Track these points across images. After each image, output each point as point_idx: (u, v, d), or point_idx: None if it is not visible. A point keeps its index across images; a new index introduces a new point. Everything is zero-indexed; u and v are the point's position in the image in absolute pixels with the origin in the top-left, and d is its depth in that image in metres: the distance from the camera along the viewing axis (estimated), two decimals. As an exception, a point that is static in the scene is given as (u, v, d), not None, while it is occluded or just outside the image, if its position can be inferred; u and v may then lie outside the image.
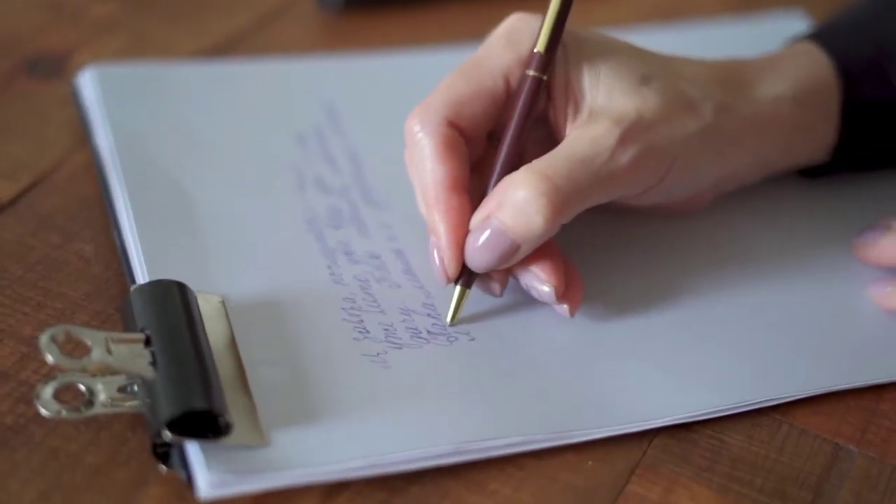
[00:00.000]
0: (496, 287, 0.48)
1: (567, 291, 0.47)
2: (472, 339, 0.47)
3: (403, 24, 0.66)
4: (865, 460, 0.46)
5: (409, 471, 0.42)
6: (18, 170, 0.52)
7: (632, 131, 0.47)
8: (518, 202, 0.45)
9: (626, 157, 0.47)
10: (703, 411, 0.45)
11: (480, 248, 0.46)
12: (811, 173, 0.56)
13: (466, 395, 0.44)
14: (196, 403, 0.40)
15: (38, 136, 0.54)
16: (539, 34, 0.47)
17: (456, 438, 0.42)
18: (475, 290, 0.48)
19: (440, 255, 0.47)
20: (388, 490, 0.42)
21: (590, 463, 0.44)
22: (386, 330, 0.46)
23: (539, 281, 0.47)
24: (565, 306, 0.47)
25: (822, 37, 0.55)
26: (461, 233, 0.46)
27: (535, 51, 0.47)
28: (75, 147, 0.54)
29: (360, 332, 0.46)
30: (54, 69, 0.58)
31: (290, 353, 0.45)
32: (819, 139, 0.54)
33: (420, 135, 0.47)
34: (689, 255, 0.52)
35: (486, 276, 0.48)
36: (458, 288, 0.47)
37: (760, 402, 0.46)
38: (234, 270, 0.48)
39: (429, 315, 0.47)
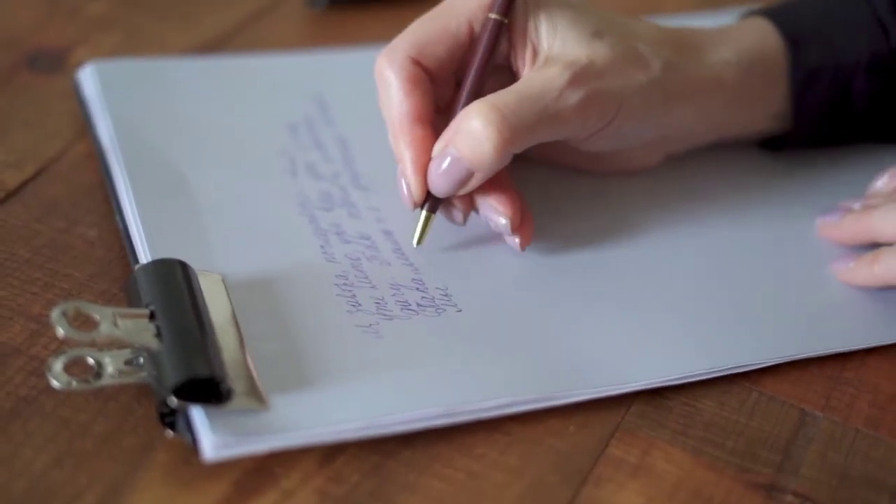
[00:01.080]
0: (459, 215, 0.52)
1: (520, 227, 0.51)
2: (459, 311, 0.49)
3: (383, 20, 0.68)
4: (830, 424, 0.48)
5: (402, 432, 0.44)
6: (23, 159, 0.54)
7: (581, 75, 0.50)
8: (471, 131, 0.49)
9: (573, 97, 0.50)
10: (677, 376, 0.48)
11: (441, 174, 0.50)
12: (773, 145, 0.60)
13: (454, 362, 0.47)
14: (200, 371, 0.43)
15: (41, 128, 0.56)
16: None
17: (446, 402, 0.45)
18: (454, 274, 0.51)
19: (406, 182, 0.51)
20: (382, 453, 0.44)
21: (571, 428, 0.46)
22: (377, 303, 0.49)
23: (496, 213, 0.51)
24: (517, 239, 0.51)
25: (770, 12, 0.58)
26: (425, 160, 0.50)
27: None
28: (76, 138, 0.56)
29: (352, 305, 0.48)
30: (54, 64, 0.60)
31: (287, 325, 0.47)
32: (769, 104, 0.57)
33: (387, 72, 0.51)
34: (655, 223, 0.55)
35: (448, 204, 0.52)
36: (423, 212, 0.51)
37: (731, 368, 0.49)
38: (232, 250, 0.50)
39: (417, 289, 0.50)
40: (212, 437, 0.42)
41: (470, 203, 0.52)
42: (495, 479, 0.44)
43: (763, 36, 0.57)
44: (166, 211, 0.51)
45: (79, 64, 0.59)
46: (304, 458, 0.44)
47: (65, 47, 0.62)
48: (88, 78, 0.57)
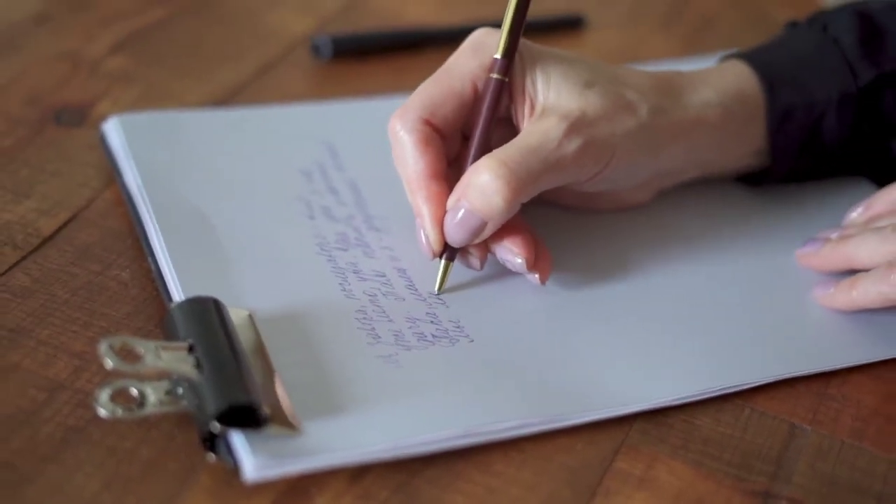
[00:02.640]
0: (475, 261, 0.56)
1: (537, 263, 0.55)
2: (472, 341, 0.53)
3: (383, 70, 0.73)
4: (818, 437, 0.52)
5: (424, 453, 0.48)
6: (55, 207, 0.58)
7: (576, 125, 0.55)
8: (481, 185, 0.53)
9: (571, 146, 0.54)
10: (675, 398, 0.52)
11: (455, 225, 0.54)
12: (753, 181, 0.64)
13: (469, 387, 0.50)
14: (239, 398, 0.46)
15: (70, 178, 0.60)
16: (499, 43, 0.55)
17: (463, 424, 0.48)
18: (464, 308, 0.55)
19: (425, 234, 0.55)
20: (407, 472, 0.48)
21: (579, 446, 0.50)
22: (395, 335, 0.52)
23: (512, 254, 0.55)
24: (536, 276, 0.55)
25: (747, 55, 0.63)
26: (441, 214, 0.54)
27: (496, 56, 0.55)
28: (103, 186, 0.60)
29: (372, 337, 0.52)
30: (78, 118, 0.64)
31: (313, 356, 0.51)
32: (749, 141, 0.62)
33: (401, 133, 0.55)
34: (648, 256, 0.59)
35: (464, 251, 0.55)
36: (442, 262, 0.55)
37: (724, 388, 0.52)
38: (258, 288, 0.53)
39: (431, 322, 0.53)
40: (253, 459, 0.45)
41: (485, 249, 0.56)
42: (512, 494, 0.48)
43: (741, 78, 0.62)
44: (195, 252, 0.54)
45: (101, 117, 0.63)
46: (335, 478, 0.47)
47: (87, 102, 0.65)
48: (112, 130, 0.61)
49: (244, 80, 0.70)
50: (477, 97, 0.56)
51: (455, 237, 0.54)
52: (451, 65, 0.56)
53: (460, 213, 0.54)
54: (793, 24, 0.66)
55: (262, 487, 0.46)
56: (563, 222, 0.60)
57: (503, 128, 0.57)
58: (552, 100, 0.56)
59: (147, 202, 0.56)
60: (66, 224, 0.57)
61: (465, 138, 0.57)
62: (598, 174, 0.56)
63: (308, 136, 0.64)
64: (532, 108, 0.56)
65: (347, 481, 0.47)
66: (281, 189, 0.60)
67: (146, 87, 0.68)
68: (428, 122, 0.55)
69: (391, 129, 0.55)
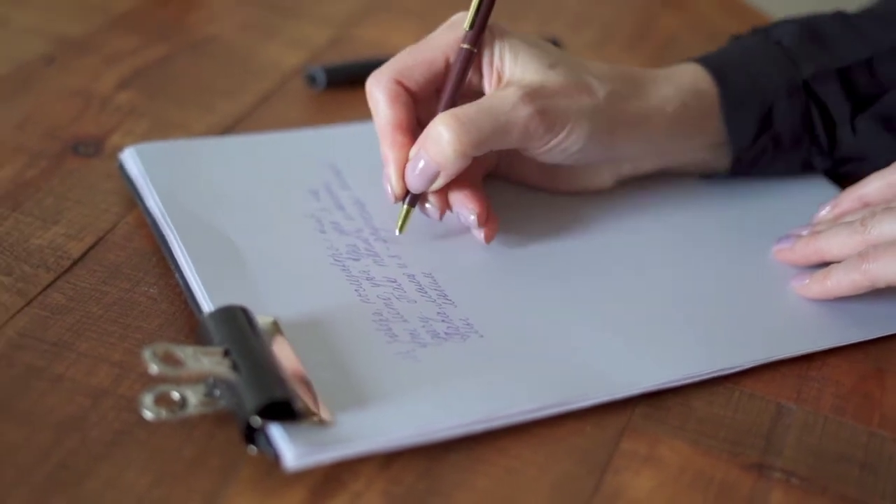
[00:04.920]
0: (434, 211, 0.62)
1: (486, 222, 0.62)
2: (482, 337, 0.57)
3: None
4: (803, 413, 0.57)
5: (447, 438, 0.52)
6: (82, 231, 0.61)
7: (532, 95, 0.61)
8: (436, 136, 0.59)
9: (523, 111, 0.60)
10: (672, 381, 0.56)
11: (413, 172, 0.60)
12: (720, 174, 0.70)
13: (484, 378, 0.54)
14: (276, 393, 0.50)
15: (93, 204, 0.63)
16: (467, 18, 0.61)
17: (481, 411, 0.52)
18: (472, 306, 0.59)
19: (389, 179, 0.61)
20: (431, 458, 0.51)
21: (588, 428, 0.54)
22: (411, 334, 0.56)
23: (466, 209, 0.61)
24: (482, 233, 0.62)
25: (699, 59, 0.69)
26: (404, 161, 0.61)
27: (464, 28, 0.61)
28: (125, 211, 0.63)
29: (390, 336, 0.56)
30: (94, 149, 0.68)
31: (337, 356, 0.54)
32: (706, 134, 0.67)
33: (374, 90, 0.62)
34: (640, 253, 0.65)
35: (423, 200, 0.62)
36: (404, 206, 0.62)
37: (715, 372, 0.57)
38: (279, 298, 0.57)
39: (443, 321, 0.57)
40: (292, 448, 0.49)
41: (445, 202, 0.62)
42: (530, 473, 0.52)
43: (697, 76, 0.68)
44: (218, 267, 0.58)
45: (115, 148, 0.67)
46: (366, 465, 0.51)
47: (101, 135, 0.69)
48: (129, 159, 0.64)
49: (245, 110, 0.74)
50: (449, 66, 0.62)
51: (413, 183, 0.61)
52: (429, 38, 0.63)
53: (420, 163, 0.60)
54: (736, 36, 0.73)
55: (299, 477, 0.49)
56: (553, 217, 0.66)
57: (473, 100, 0.62)
58: (518, 74, 0.62)
59: (170, 223, 0.60)
60: (93, 246, 0.60)
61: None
62: (550, 144, 0.62)
63: (312, 158, 0.68)
64: (500, 81, 0.62)
65: (378, 467, 0.51)
66: (291, 207, 0.64)
67: (154, 119, 0.71)
68: (399, 83, 0.61)
69: (367, 89, 0.62)
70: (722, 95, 0.67)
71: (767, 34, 0.70)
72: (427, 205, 0.62)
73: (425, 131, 0.60)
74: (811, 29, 0.70)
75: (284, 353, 0.53)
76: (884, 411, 0.57)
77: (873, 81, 0.68)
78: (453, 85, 0.62)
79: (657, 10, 0.96)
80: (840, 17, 0.71)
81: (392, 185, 0.61)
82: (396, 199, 0.61)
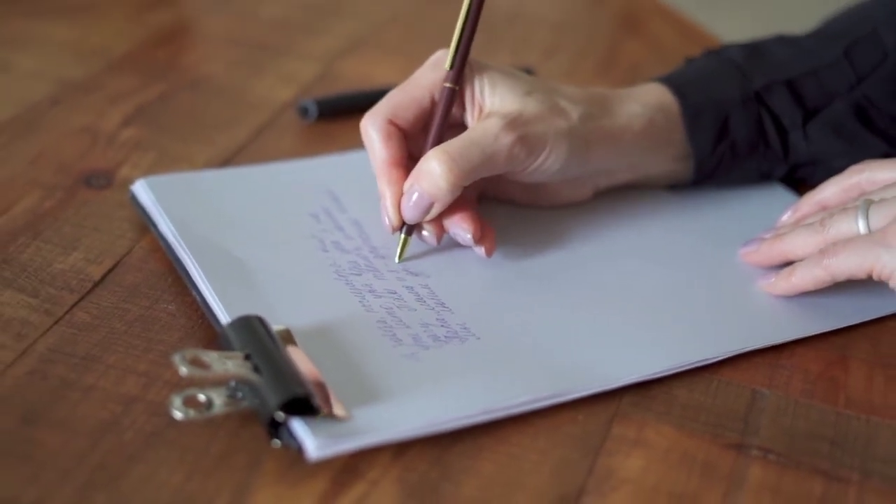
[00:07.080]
0: (431, 238, 0.67)
1: (482, 239, 0.66)
2: (479, 339, 0.62)
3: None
4: (776, 398, 0.61)
5: (453, 429, 0.56)
6: (100, 256, 0.66)
7: (512, 123, 0.66)
8: (429, 171, 0.64)
9: (506, 140, 0.65)
10: (656, 372, 0.61)
11: (409, 205, 0.65)
12: (685, 183, 0.75)
13: (484, 374, 0.59)
14: (297, 390, 0.54)
15: (108, 231, 0.68)
16: (447, 58, 0.67)
17: (483, 403, 0.57)
18: (468, 313, 0.63)
19: (386, 212, 0.66)
20: (440, 448, 0.56)
21: (580, 417, 0.58)
22: (414, 338, 0.61)
23: (462, 230, 0.66)
24: (482, 249, 0.66)
25: (660, 78, 0.75)
26: (399, 195, 0.66)
27: (446, 68, 0.66)
28: (138, 237, 0.68)
29: (394, 341, 0.61)
30: (106, 181, 0.72)
31: (347, 359, 0.59)
32: (671, 147, 0.73)
33: (370, 129, 0.67)
34: (615, 260, 0.70)
35: (419, 228, 0.67)
36: (402, 236, 0.66)
37: (695, 363, 0.62)
38: (289, 310, 0.61)
39: (442, 326, 0.62)
40: (314, 440, 0.53)
41: (441, 227, 0.66)
42: (531, 459, 0.56)
43: (660, 94, 0.74)
44: (232, 283, 0.63)
45: (125, 180, 0.71)
46: (381, 455, 0.55)
47: (111, 168, 0.74)
48: (141, 190, 0.69)
49: (242, 142, 0.78)
50: (434, 104, 0.67)
51: (409, 214, 0.65)
52: (415, 77, 0.68)
53: (414, 196, 0.64)
54: (690, 59, 0.79)
55: (320, 467, 0.54)
56: (538, 229, 0.71)
57: (458, 131, 0.67)
58: (497, 105, 0.67)
59: (184, 246, 0.65)
60: (112, 269, 0.65)
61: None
62: (532, 166, 0.67)
63: (311, 185, 0.73)
64: (481, 112, 0.67)
65: (391, 457, 0.55)
66: (294, 229, 0.68)
67: (159, 152, 0.76)
68: (392, 122, 0.66)
69: (362, 126, 0.67)
70: (683, 109, 0.73)
71: (719, 54, 0.76)
72: (424, 232, 0.67)
73: (418, 166, 0.65)
74: (758, 48, 0.76)
75: (299, 358, 0.58)
76: (848, 393, 0.62)
77: (821, 92, 0.75)
78: (440, 121, 0.66)
79: (622, 38, 1.03)
80: (781, 38, 0.78)
81: (389, 217, 0.66)
82: (394, 230, 0.66)
